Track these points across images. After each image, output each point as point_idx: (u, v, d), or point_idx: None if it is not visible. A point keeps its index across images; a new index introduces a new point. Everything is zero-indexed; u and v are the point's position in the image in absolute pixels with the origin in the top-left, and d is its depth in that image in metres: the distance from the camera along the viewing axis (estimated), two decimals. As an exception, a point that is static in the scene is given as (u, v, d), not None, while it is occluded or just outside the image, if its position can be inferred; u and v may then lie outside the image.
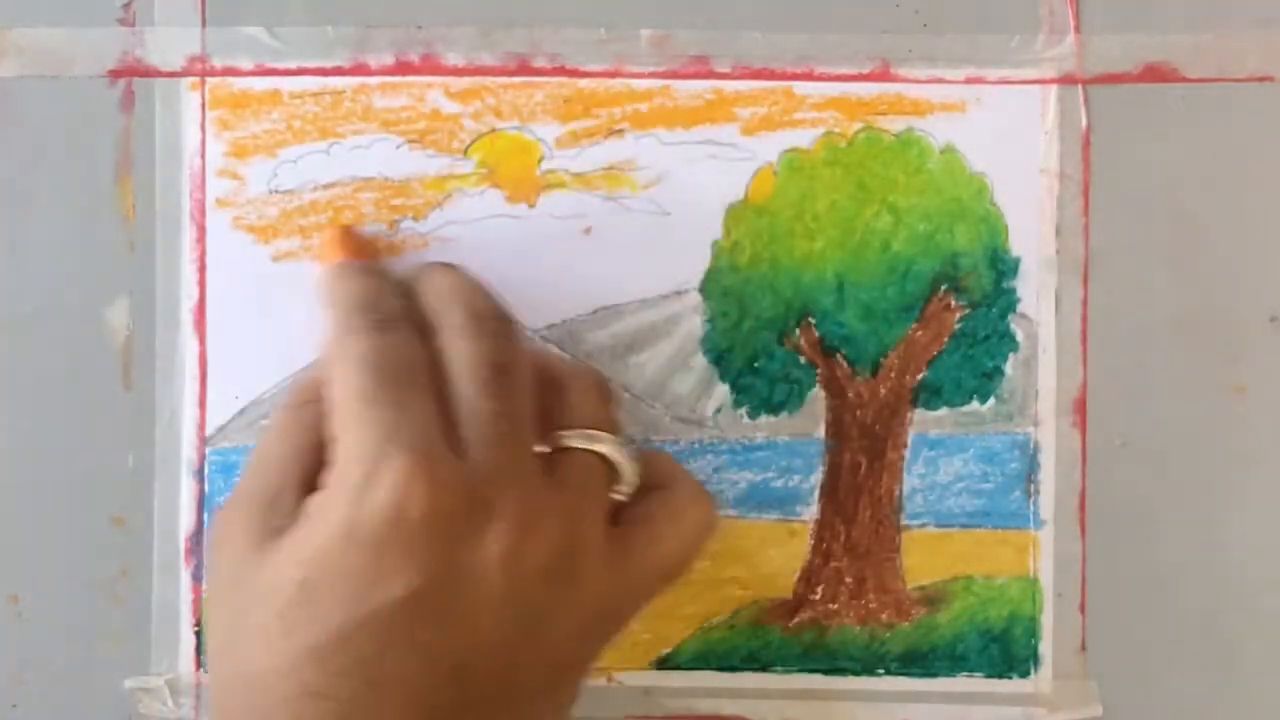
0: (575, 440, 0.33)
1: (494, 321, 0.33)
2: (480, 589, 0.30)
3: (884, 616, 0.39)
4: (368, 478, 0.30)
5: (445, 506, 0.30)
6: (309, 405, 0.33)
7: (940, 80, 0.38)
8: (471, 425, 0.31)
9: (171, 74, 0.38)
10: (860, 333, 0.38)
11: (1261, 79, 0.39)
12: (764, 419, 0.38)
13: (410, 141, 0.38)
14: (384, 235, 0.38)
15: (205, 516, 0.38)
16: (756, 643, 0.38)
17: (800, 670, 0.38)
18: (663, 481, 0.34)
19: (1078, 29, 0.38)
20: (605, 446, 0.33)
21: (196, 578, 0.38)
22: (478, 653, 0.31)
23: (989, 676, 0.38)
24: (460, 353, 0.32)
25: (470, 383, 0.32)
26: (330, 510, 0.30)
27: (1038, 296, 0.38)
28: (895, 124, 0.38)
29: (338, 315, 0.33)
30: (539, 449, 0.33)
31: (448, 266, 0.36)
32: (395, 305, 0.34)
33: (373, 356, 0.31)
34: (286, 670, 0.30)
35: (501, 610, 0.31)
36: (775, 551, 0.38)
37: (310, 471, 0.32)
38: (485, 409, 0.31)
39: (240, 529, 0.32)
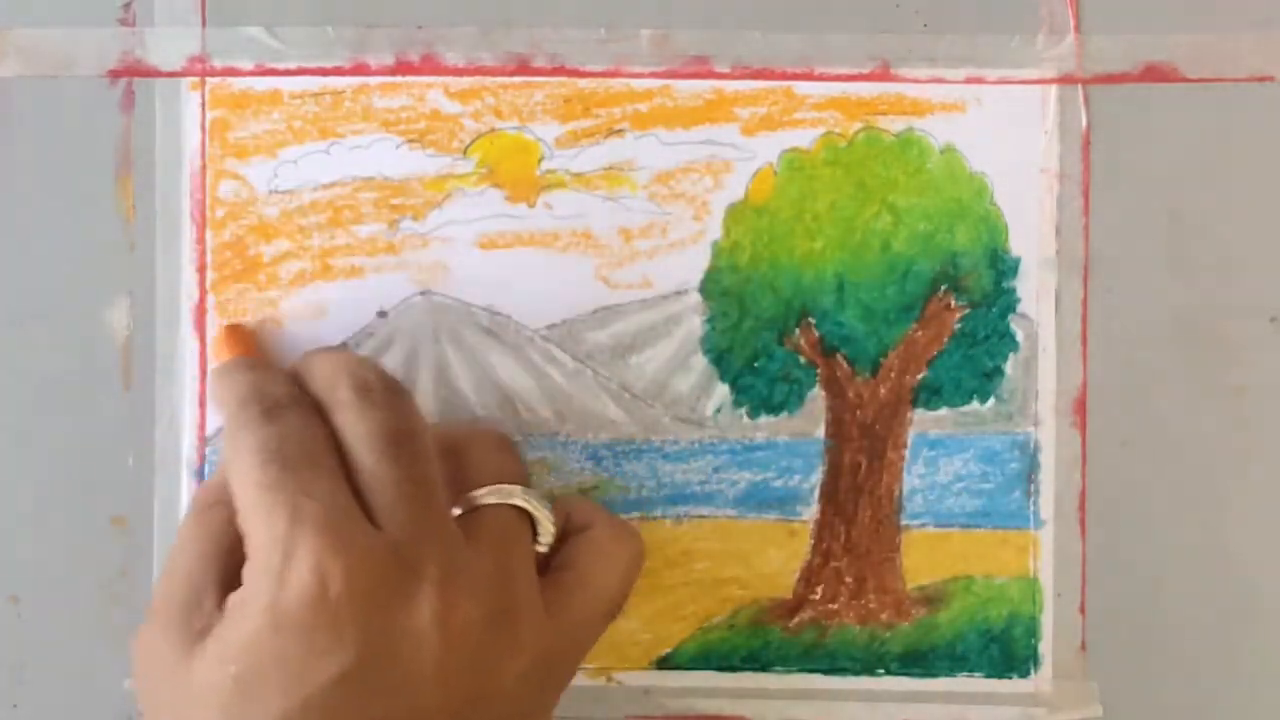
0: (488, 497, 0.33)
1: (383, 392, 0.33)
2: (417, 654, 0.30)
3: (884, 616, 0.39)
4: (284, 562, 0.30)
5: (366, 576, 0.30)
6: (216, 507, 0.33)
7: (940, 80, 0.38)
8: (378, 494, 0.31)
9: (171, 74, 0.38)
10: (860, 333, 0.38)
11: (1261, 79, 0.39)
12: (764, 419, 0.38)
13: (410, 141, 0.38)
14: (384, 235, 0.38)
15: (205, 516, 0.38)
16: (756, 643, 0.38)
17: (800, 670, 0.38)
18: (583, 524, 0.35)
19: (1078, 29, 0.38)
20: (518, 499, 0.34)
21: (196, 578, 0.38)
22: (426, 718, 0.31)
23: (989, 676, 0.38)
24: (354, 426, 0.32)
25: (369, 453, 0.32)
26: (252, 601, 0.30)
27: (1038, 296, 0.38)
28: (895, 124, 0.38)
29: (226, 411, 0.33)
30: (454, 513, 0.33)
31: (331, 348, 0.36)
32: (283, 391, 0.33)
33: (268, 445, 0.31)
34: None
35: (443, 673, 0.31)
36: (775, 551, 0.38)
37: (227, 573, 0.32)
38: (389, 475, 0.31)
39: (163, 638, 0.31)
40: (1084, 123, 0.38)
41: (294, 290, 0.38)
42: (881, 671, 0.39)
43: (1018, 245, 0.38)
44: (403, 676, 0.30)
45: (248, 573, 0.31)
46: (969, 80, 0.38)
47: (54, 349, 0.38)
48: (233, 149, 0.38)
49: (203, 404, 0.38)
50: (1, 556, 0.38)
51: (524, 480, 0.35)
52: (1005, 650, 0.38)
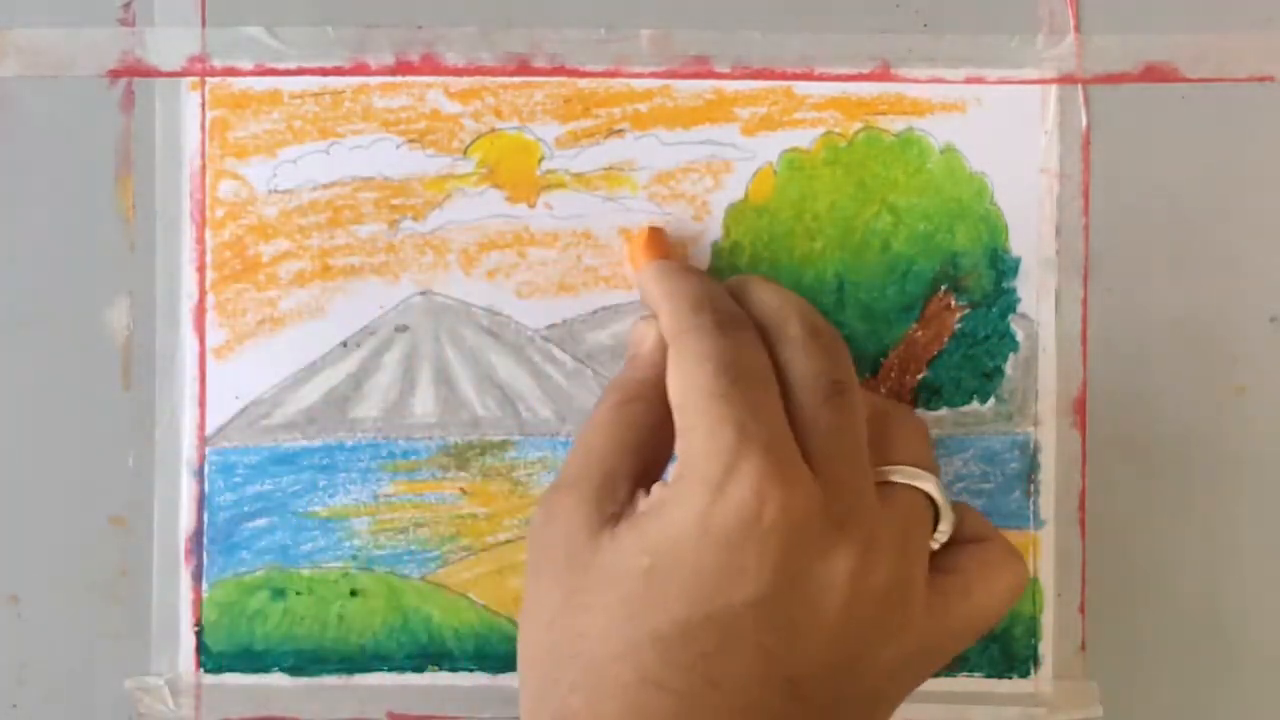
0: (901, 475, 0.33)
1: (831, 339, 0.33)
2: (823, 603, 0.30)
3: (884, 616, 0.38)
4: (725, 474, 0.30)
5: (799, 514, 0.30)
6: (633, 403, 0.33)
7: (940, 80, 0.38)
8: (814, 439, 0.31)
9: (171, 74, 0.38)
10: (860, 333, 0.38)
11: (1261, 79, 0.39)
12: (764, 419, 0.38)
13: (410, 141, 0.38)
14: (384, 235, 0.38)
15: (205, 516, 0.38)
16: (756, 643, 0.38)
17: (800, 670, 0.38)
18: (974, 535, 0.34)
19: (1078, 29, 0.38)
20: (931, 486, 0.33)
21: (196, 578, 0.38)
22: (811, 669, 0.30)
23: (989, 676, 0.38)
24: (801, 364, 0.32)
25: (812, 395, 0.31)
26: (681, 504, 0.30)
27: (1038, 296, 0.38)
28: (895, 124, 0.38)
29: (676, 312, 0.33)
30: None
31: (769, 280, 0.35)
32: (734, 309, 0.33)
33: (721, 355, 0.31)
34: (625, 655, 0.30)
35: (838, 629, 0.30)
36: (775, 551, 0.38)
37: (641, 467, 0.32)
38: (829, 422, 0.31)
39: (573, 511, 0.32)
40: (1084, 123, 0.38)
41: (293, 290, 0.38)
42: (881, 671, 0.38)
43: (1018, 245, 0.38)
44: (802, 621, 0.30)
45: (680, 475, 0.31)
46: (969, 80, 0.38)
47: (54, 349, 0.38)
48: (232, 149, 0.38)
49: (203, 404, 0.38)
50: (1, 556, 0.38)
51: (935, 470, 0.34)
52: (1005, 650, 0.38)
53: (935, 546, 0.33)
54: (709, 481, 0.30)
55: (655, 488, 0.31)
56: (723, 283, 0.35)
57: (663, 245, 0.37)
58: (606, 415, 0.33)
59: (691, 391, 0.31)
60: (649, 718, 0.30)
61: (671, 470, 0.31)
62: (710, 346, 0.31)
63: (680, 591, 0.30)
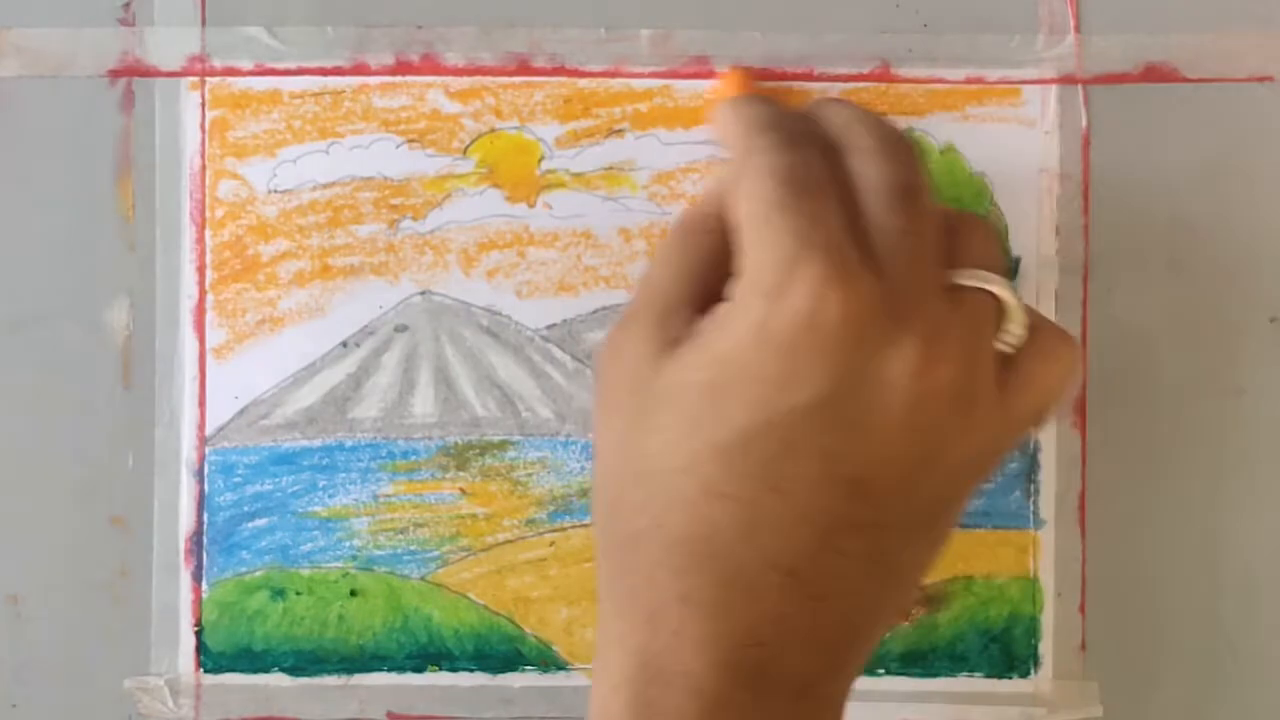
0: (969, 278, 0.32)
1: (902, 145, 0.33)
2: (885, 402, 0.30)
3: (884, 616, 0.38)
4: (783, 281, 0.30)
5: (860, 314, 0.30)
6: (698, 234, 0.33)
7: (940, 80, 0.38)
8: (882, 242, 0.31)
9: (171, 74, 0.38)
10: (860, 333, 0.38)
11: (1261, 79, 0.39)
12: (764, 419, 0.38)
13: (410, 141, 0.38)
14: (384, 235, 0.38)
15: (205, 516, 0.38)
16: (756, 643, 0.38)
17: (800, 670, 0.38)
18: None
19: (1078, 29, 0.38)
20: (999, 288, 0.32)
21: (196, 578, 0.38)
22: (876, 469, 0.31)
23: (989, 676, 0.38)
24: (868, 172, 0.32)
25: (880, 201, 0.32)
26: (740, 315, 0.30)
27: (1038, 296, 0.38)
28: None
29: (742, 136, 0.33)
30: None
31: (845, 101, 0.35)
32: (801, 127, 0.33)
33: (783, 170, 0.31)
34: (687, 468, 0.30)
35: (902, 428, 0.31)
36: (775, 551, 0.38)
37: (702, 294, 0.32)
38: (895, 226, 0.31)
39: (635, 340, 0.32)
40: (1084, 123, 0.38)
41: (293, 290, 0.38)
42: (881, 671, 0.38)
43: (1018, 245, 0.38)
44: (866, 421, 0.30)
45: (740, 288, 0.31)
46: (969, 80, 0.38)
47: (54, 349, 0.38)
48: (232, 149, 0.38)
49: (202, 404, 0.38)
50: (1, 556, 0.38)
51: (1006, 273, 0.34)
52: (1005, 650, 0.38)
53: (1008, 349, 0.32)
54: (767, 290, 0.30)
55: (716, 307, 0.31)
56: (800, 107, 0.35)
57: (747, 85, 0.37)
58: (667, 247, 0.34)
59: (754, 206, 0.31)
60: (713, 527, 0.30)
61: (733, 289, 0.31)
62: (773, 162, 0.31)
63: (739, 400, 0.30)
